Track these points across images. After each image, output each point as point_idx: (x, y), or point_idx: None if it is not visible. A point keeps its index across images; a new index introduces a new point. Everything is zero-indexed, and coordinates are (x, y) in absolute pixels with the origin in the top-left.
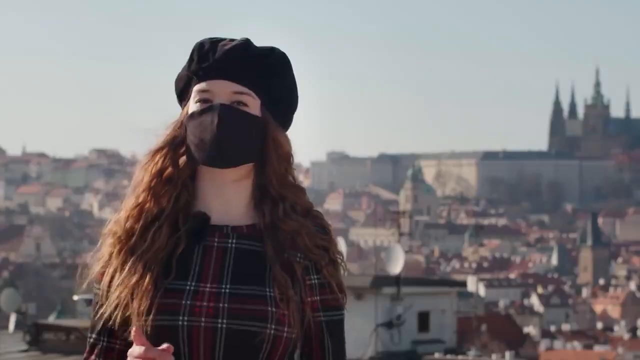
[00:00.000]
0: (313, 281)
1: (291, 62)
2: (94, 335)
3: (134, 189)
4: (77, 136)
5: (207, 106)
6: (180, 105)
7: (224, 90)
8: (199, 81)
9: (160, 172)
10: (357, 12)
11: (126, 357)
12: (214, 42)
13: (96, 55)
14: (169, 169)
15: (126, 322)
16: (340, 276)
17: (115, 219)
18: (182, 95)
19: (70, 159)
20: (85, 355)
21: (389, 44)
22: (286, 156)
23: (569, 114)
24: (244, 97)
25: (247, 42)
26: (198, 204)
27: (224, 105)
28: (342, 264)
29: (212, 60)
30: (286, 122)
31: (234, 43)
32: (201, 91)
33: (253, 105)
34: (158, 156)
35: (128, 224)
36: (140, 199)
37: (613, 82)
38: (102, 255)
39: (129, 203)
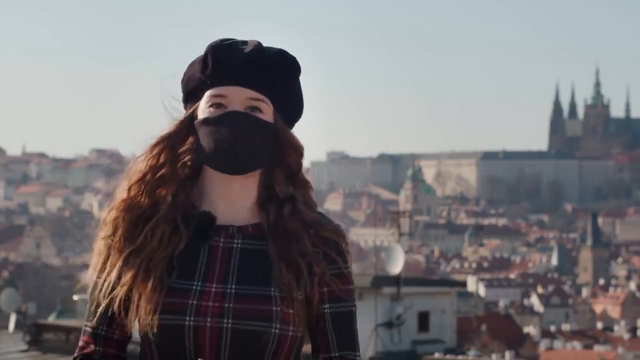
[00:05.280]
0: (320, 274)
1: (300, 66)
2: (91, 325)
3: (128, 180)
4: (77, 136)
5: (223, 112)
6: (185, 104)
7: (240, 97)
8: (213, 86)
9: (154, 169)
10: (357, 12)
11: (124, 347)
12: (228, 45)
13: (96, 55)
14: (164, 168)
15: (126, 315)
16: (348, 268)
17: (109, 209)
18: (190, 96)
19: (70, 159)
20: (81, 343)
21: (389, 44)
22: (300, 155)
23: (569, 114)
24: (259, 104)
25: (261, 47)
26: (204, 204)
27: (241, 112)
28: (349, 255)
29: (228, 66)
30: (293, 124)
31: (249, 48)
32: (215, 96)
33: (267, 111)
34: (155, 151)
35: (121, 218)
36: (133, 192)
37: (613, 82)
38: (99, 249)
39: (122, 194)
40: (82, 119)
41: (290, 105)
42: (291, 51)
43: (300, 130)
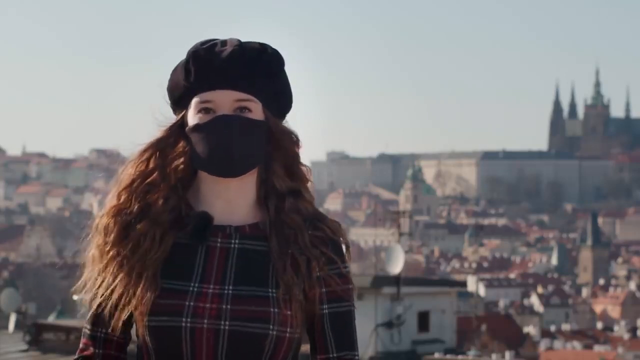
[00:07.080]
0: (318, 273)
1: (284, 59)
2: (91, 327)
3: (117, 186)
4: (77, 136)
5: (212, 117)
6: (175, 110)
7: (227, 100)
8: (200, 91)
9: (143, 175)
10: (357, 11)
11: (124, 348)
12: (208, 49)
13: (96, 55)
14: (154, 174)
15: (126, 317)
16: (347, 267)
17: (101, 215)
18: (179, 103)
19: (70, 159)
20: (81, 345)
21: (389, 44)
22: (295, 144)
23: (569, 114)
24: (247, 104)
25: (241, 46)
26: (201, 205)
27: (230, 115)
28: (348, 254)
29: (211, 70)
30: (284, 117)
31: (230, 49)
32: (203, 102)
33: (256, 109)
34: (144, 157)
35: (112, 224)
36: (122, 198)
37: (613, 82)
38: (93, 257)
39: (111, 200)
40: (82, 119)
41: (279, 98)
42: (291, 51)
43: (300, 130)
